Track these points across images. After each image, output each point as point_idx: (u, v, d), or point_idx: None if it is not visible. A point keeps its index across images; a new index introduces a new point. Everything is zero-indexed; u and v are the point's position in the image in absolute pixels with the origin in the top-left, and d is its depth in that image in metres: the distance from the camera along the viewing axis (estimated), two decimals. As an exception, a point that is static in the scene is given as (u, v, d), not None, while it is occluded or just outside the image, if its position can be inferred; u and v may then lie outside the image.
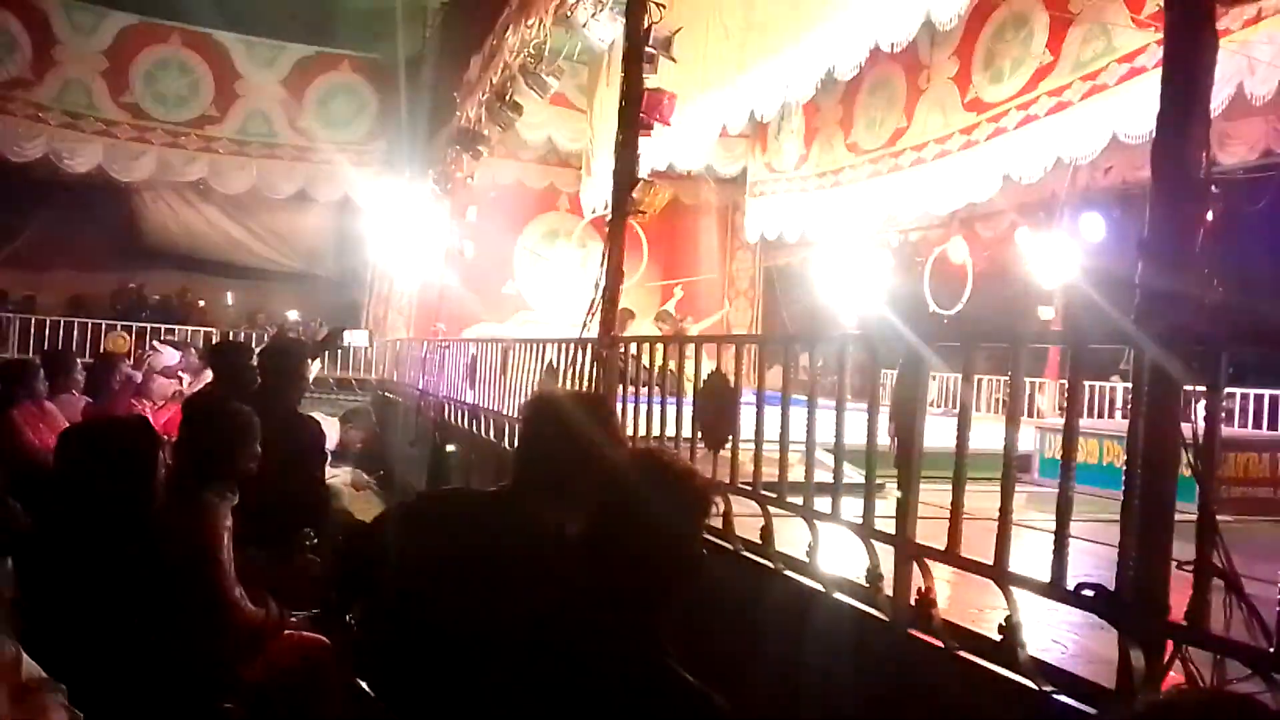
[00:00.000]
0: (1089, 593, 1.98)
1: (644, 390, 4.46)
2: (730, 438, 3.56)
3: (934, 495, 2.65)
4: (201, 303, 15.86)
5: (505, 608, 1.90)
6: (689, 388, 4.04)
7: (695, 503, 1.97)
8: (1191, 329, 1.93)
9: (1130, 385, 2.09)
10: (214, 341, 11.73)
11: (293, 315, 15.47)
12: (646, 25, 4.93)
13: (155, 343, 10.64)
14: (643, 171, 5.09)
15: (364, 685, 1.96)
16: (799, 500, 3.10)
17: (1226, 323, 1.95)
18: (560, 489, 2.27)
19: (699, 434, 3.74)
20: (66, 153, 13.10)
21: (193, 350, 9.28)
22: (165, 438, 4.32)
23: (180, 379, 7.74)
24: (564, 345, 5.63)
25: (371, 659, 2.14)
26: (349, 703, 1.98)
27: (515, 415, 6.36)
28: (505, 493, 2.39)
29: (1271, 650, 1.63)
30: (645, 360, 4.70)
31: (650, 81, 5.00)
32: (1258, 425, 8.41)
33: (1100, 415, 9.32)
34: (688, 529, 1.94)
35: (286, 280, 16.13)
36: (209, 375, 6.04)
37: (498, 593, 1.99)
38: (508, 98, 8.64)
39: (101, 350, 11.52)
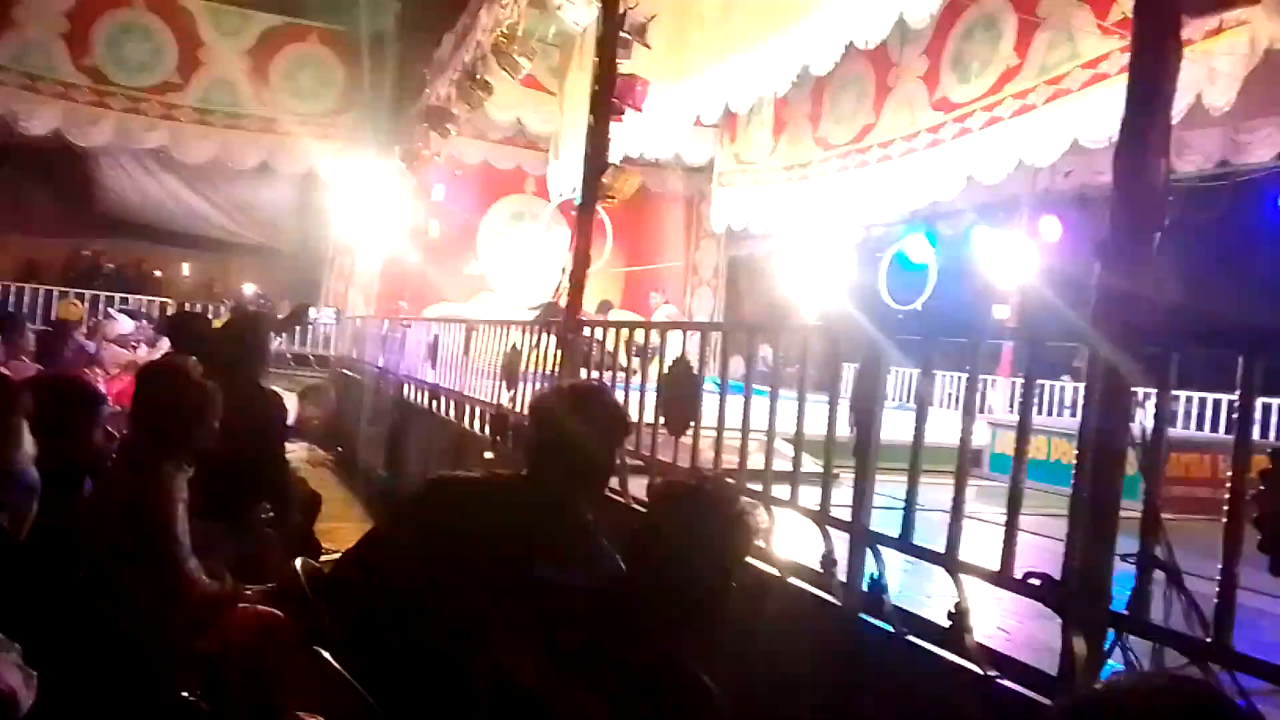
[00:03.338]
0: (1036, 581, 2.04)
1: (607, 374, 4.48)
2: (692, 424, 3.59)
3: (887, 486, 2.71)
4: (158, 273, 15.59)
5: (526, 582, 1.98)
6: (653, 373, 4.07)
7: (739, 544, 1.98)
8: (1144, 329, 1.99)
9: (1081, 384, 2.15)
10: (169, 312, 11.57)
11: (249, 289, 15.25)
12: (622, 10, 4.94)
13: (110, 310, 10.45)
14: (614, 157, 5.10)
15: (327, 656, 1.96)
16: (758, 487, 3.14)
17: (1177, 325, 2.02)
18: (576, 477, 2.39)
19: (661, 419, 3.77)
20: (23, 115, 12.71)
21: (148, 320, 9.17)
22: (118, 407, 4.28)
23: (135, 348, 7.64)
24: (529, 328, 5.62)
25: (369, 632, 2.18)
26: (310, 674, 1.99)
27: (477, 396, 6.35)
28: (525, 479, 2.45)
29: (1209, 641, 1.70)
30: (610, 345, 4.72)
31: (624, 67, 5.00)
32: (1199, 427, 8.64)
33: (1050, 413, 9.50)
34: (727, 568, 1.95)
35: (246, 253, 15.88)
36: (165, 345, 5.98)
37: (521, 567, 2.06)
38: (478, 77, 8.58)
39: (54, 318, 11.29)
